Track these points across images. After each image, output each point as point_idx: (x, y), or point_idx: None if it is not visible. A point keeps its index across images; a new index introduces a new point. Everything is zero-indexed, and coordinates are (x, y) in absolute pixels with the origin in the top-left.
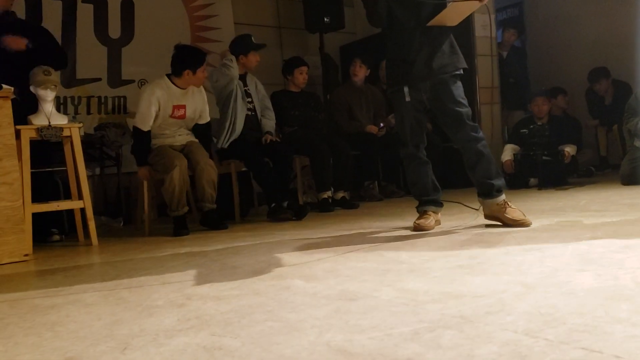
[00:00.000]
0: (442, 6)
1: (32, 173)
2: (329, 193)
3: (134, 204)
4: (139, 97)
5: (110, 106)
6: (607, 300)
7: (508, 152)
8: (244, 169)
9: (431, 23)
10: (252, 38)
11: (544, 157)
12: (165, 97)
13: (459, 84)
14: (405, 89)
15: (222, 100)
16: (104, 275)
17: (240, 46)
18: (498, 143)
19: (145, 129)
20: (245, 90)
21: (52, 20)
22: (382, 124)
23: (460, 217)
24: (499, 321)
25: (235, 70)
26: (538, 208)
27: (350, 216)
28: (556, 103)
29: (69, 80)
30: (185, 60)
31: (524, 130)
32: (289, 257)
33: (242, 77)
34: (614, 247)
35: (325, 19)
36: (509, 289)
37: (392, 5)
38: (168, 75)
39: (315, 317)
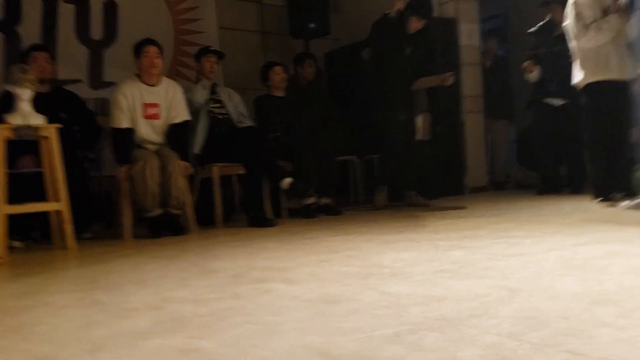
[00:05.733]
0: None
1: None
2: (313, 199)
3: (115, 208)
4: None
5: (90, 108)
6: (592, 304)
7: None
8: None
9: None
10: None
11: None
12: (134, 93)
13: None
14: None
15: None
16: (80, 278)
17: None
18: (481, 152)
19: (123, 125)
20: (214, 98)
21: (32, 20)
22: None
23: (443, 223)
24: (482, 324)
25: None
26: (520, 216)
27: (333, 222)
28: None
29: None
30: (133, 53)
31: None
32: (271, 262)
33: (211, 87)
34: (598, 253)
35: (311, 25)
36: (492, 293)
37: None
38: (137, 75)
39: (295, 320)
